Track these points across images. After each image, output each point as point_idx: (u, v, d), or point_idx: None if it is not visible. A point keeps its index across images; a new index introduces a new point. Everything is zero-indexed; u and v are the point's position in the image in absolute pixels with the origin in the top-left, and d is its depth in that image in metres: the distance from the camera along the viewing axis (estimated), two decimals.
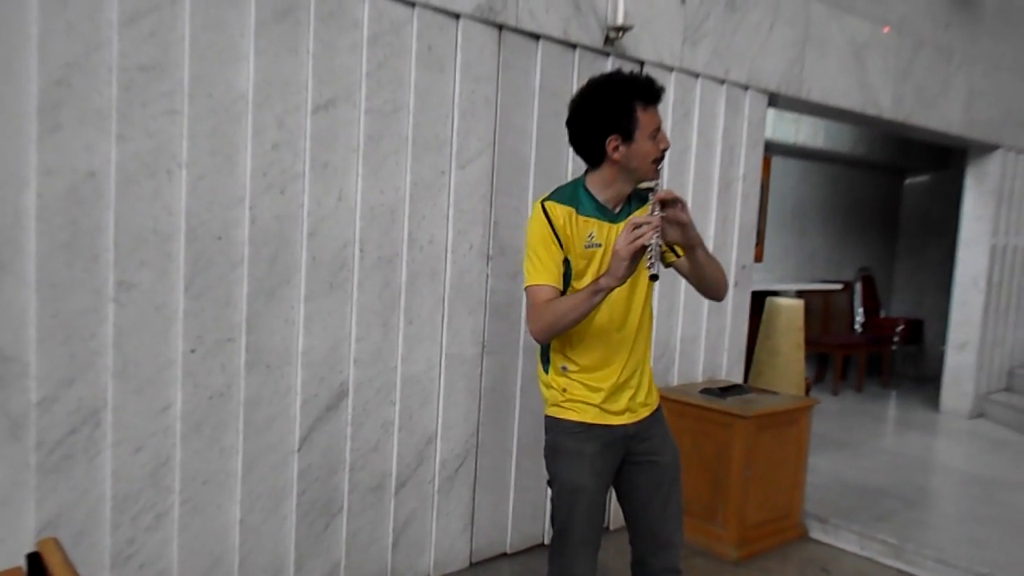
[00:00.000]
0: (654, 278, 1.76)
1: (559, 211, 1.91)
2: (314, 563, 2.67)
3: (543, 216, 1.91)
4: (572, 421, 1.97)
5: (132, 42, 2.16)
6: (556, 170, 3.16)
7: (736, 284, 3.89)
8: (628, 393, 1.99)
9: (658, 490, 2.03)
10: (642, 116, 1.85)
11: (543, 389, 2.07)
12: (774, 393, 3.74)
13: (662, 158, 1.90)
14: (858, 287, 7.47)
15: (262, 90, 2.39)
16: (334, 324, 2.63)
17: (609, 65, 3.25)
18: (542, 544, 3.30)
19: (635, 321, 1.98)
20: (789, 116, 5.83)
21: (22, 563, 1.20)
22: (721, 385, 3.63)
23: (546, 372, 2.04)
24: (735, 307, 3.93)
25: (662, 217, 1.78)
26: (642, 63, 3.37)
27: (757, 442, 3.29)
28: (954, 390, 6.00)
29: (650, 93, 1.86)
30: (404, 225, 2.76)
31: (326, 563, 2.70)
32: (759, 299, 4.60)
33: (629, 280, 1.89)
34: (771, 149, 6.04)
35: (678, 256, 2.00)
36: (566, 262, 1.92)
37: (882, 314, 7.70)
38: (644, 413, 2.03)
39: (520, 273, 3.07)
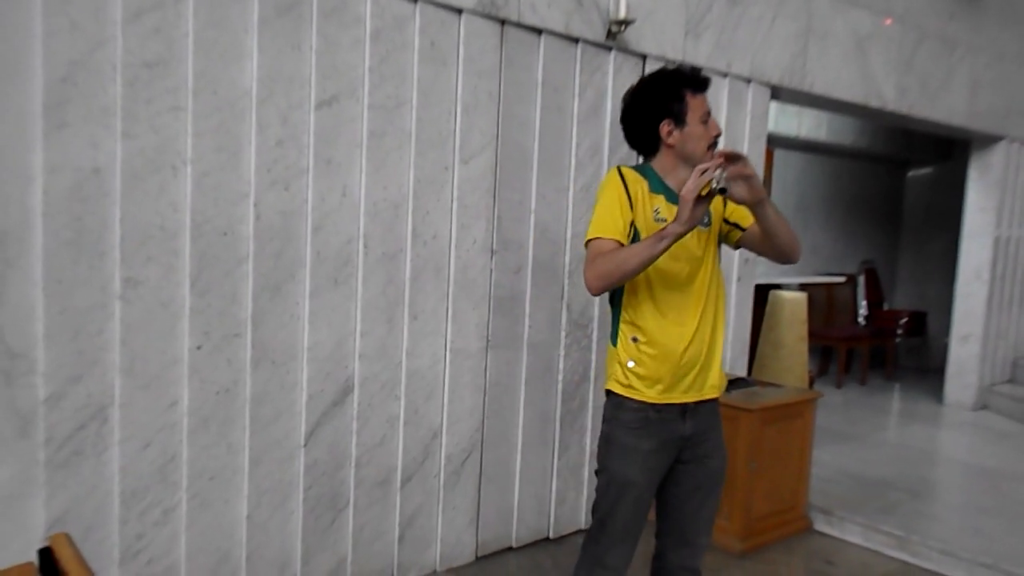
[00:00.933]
0: (723, 191, 1.74)
1: (632, 176, 1.94)
2: (321, 558, 2.68)
3: (618, 176, 1.94)
4: (635, 402, 1.94)
5: (136, 39, 2.16)
6: (559, 164, 3.16)
7: (739, 278, 3.90)
8: (695, 368, 1.96)
9: (698, 490, 2.02)
10: (691, 101, 1.92)
11: (608, 364, 2.05)
12: (778, 386, 3.75)
13: (715, 143, 1.95)
14: (861, 280, 7.47)
15: (266, 86, 2.40)
16: (339, 319, 2.63)
17: (611, 59, 3.25)
18: (547, 538, 3.31)
19: (704, 291, 1.96)
20: (791, 109, 5.82)
21: (34, 558, 1.21)
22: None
23: (614, 344, 2.01)
24: (739, 300, 3.93)
25: (726, 178, 1.77)
26: (644, 57, 3.37)
27: (761, 435, 3.29)
28: (958, 382, 5.99)
29: (697, 81, 1.94)
30: (408, 220, 2.77)
31: (333, 557, 2.71)
32: (762, 292, 4.60)
33: (699, 250, 1.92)
34: (773, 142, 6.03)
35: (743, 230, 2.01)
36: (633, 228, 1.91)
37: (885, 306, 7.70)
38: (709, 394, 2.00)
39: (523, 267, 3.09)
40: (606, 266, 1.84)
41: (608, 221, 1.89)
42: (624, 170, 1.96)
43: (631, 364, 1.96)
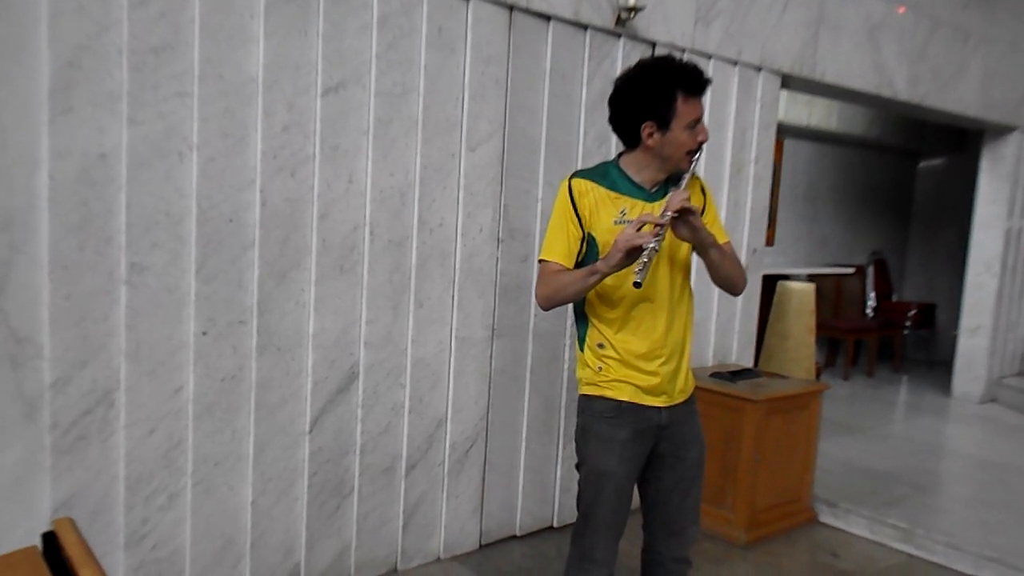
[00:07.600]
0: (636, 285, 1.75)
1: (584, 186, 1.93)
2: (325, 544, 2.69)
3: (567, 193, 1.94)
4: (607, 399, 1.96)
5: (142, 24, 2.15)
6: (566, 152, 3.14)
7: (747, 268, 3.87)
8: (666, 376, 1.96)
9: (680, 483, 2.03)
10: (682, 106, 1.83)
11: (578, 369, 2.06)
12: (784, 377, 3.73)
13: (698, 149, 1.89)
14: (870, 271, 7.43)
15: (272, 72, 2.38)
16: (344, 307, 2.63)
17: (620, 47, 3.23)
18: (551, 527, 3.31)
19: (673, 300, 1.96)
20: (802, 98, 5.77)
21: (38, 542, 1.21)
22: (731, 369, 3.63)
23: (581, 350, 2.03)
24: (746, 291, 3.91)
25: (674, 217, 1.79)
26: (654, 44, 3.34)
27: (767, 426, 3.29)
28: (966, 375, 5.97)
29: (695, 83, 1.84)
30: (414, 208, 2.75)
31: (337, 544, 2.72)
32: (770, 283, 4.57)
33: (668, 258, 1.92)
34: (783, 131, 5.98)
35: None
36: (591, 240, 1.93)
37: (894, 298, 7.66)
38: (679, 399, 2.01)
39: (530, 256, 3.08)
40: (548, 289, 1.94)
41: (554, 244, 1.95)
42: (575, 182, 1.94)
43: (600, 368, 1.98)
